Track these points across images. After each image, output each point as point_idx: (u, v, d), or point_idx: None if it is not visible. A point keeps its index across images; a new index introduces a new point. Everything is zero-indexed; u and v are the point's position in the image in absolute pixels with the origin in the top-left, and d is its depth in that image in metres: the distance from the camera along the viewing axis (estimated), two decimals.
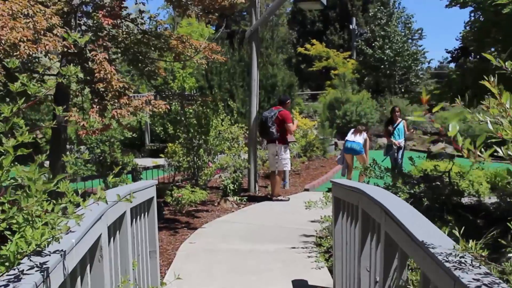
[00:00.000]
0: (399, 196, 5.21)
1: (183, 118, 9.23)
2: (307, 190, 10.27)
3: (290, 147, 13.28)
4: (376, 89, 25.33)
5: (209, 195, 9.07)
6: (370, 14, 29.34)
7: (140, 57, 7.03)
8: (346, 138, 10.30)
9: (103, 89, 5.81)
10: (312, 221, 7.01)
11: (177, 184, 10.38)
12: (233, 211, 8.15)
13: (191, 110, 9.13)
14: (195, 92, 17.57)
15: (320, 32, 34.41)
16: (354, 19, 31.23)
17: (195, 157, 9.05)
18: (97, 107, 5.59)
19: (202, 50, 8.95)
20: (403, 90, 25.99)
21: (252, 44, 9.34)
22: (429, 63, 28.48)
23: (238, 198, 8.85)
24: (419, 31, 27.88)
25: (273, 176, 9.32)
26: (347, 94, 19.58)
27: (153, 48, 7.10)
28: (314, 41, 28.19)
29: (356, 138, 10.10)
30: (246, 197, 9.00)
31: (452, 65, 30.09)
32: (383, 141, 19.67)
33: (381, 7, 27.10)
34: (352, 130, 10.55)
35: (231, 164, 9.85)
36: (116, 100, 5.48)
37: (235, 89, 19.06)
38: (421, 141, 20.57)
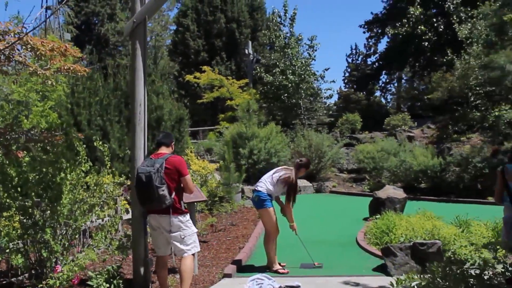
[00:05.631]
0: None
1: (13, 173, 5.43)
2: (228, 276, 6.78)
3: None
4: (274, 120, 22.80)
5: None
6: (264, 38, 27.15)
7: None
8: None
9: None
10: None
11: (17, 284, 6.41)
12: None
13: (27, 159, 5.38)
14: (54, 130, 13.45)
15: (205, 62, 32.07)
16: (250, 42, 28.75)
17: (35, 245, 5.26)
18: None
19: (48, 54, 5.42)
20: (308, 123, 23.70)
21: (136, 44, 5.82)
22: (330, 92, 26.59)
23: None
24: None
25: (163, 265, 5.74)
26: (253, 128, 16.50)
27: None
28: (205, 67, 25.22)
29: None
30: None
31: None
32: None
33: (279, 29, 25.03)
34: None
35: (105, 244, 6.13)
36: None
37: (110, 125, 15.18)
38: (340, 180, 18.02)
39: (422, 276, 3.19)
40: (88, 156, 6.13)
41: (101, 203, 5.99)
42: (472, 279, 3.42)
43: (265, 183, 7.06)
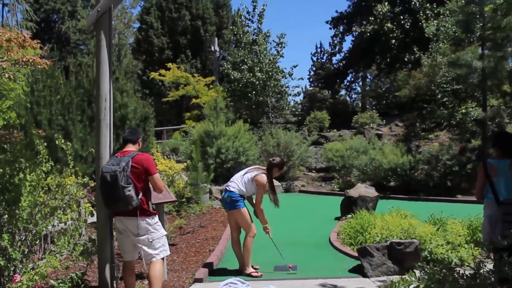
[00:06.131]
0: None
1: None
2: (199, 280, 6.52)
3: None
4: (241, 118, 22.66)
5: None
6: (230, 34, 27.02)
7: None
8: None
9: None
10: None
11: None
12: None
13: None
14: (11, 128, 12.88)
15: (170, 60, 31.72)
16: (216, 39, 28.44)
17: None
18: None
19: (4, 45, 5.11)
20: (273, 122, 23.62)
21: (101, 35, 5.51)
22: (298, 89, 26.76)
23: None
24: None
25: (130, 270, 5.41)
26: (221, 126, 16.24)
27: None
28: (170, 64, 24.83)
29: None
30: None
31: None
32: None
33: (246, 25, 24.93)
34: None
35: (69, 249, 5.79)
36: None
37: (72, 125, 14.69)
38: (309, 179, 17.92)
39: (421, 277, 3.02)
40: (49, 157, 5.78)
41: (64, 205, 5.65)
42: (463, 280, 3.28)
43: (237, 183, 6.83)
